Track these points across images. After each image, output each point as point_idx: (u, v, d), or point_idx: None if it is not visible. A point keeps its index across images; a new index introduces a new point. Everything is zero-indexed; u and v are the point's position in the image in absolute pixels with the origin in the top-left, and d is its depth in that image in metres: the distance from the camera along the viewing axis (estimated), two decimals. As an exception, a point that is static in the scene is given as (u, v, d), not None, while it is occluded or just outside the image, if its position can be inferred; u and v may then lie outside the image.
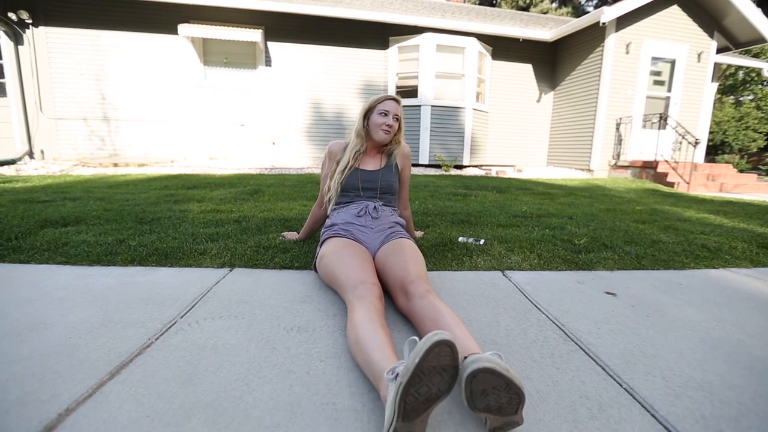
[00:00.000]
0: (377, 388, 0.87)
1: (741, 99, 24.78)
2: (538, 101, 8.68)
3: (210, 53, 7.33)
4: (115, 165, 6.32)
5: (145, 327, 1.20)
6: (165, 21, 6.87)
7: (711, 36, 7.57)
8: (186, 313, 1.30)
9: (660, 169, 6.59)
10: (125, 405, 0.85)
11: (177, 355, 1.05)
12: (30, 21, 6.46)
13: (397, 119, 1.72)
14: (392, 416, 0.73)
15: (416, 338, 0.82)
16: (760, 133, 23.07)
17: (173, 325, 1.22)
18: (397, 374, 0.77)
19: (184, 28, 6.60)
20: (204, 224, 2.46)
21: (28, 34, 6.54)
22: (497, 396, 0.75)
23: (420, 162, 7.55)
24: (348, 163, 1.71)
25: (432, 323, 1.06)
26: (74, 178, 4.83)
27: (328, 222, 1.72)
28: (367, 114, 1.73)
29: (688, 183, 6.05)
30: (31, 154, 6.83)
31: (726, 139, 23.42)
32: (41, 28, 6.59)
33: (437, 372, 0.74)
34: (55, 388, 0.90)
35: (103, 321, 1.23)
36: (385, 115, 1.69)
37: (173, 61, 7.10)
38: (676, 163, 6.57)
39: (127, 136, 7.17)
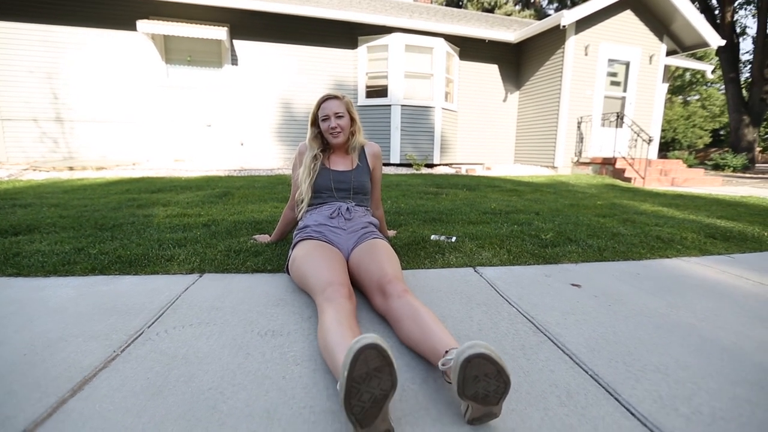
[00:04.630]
0: None
1: (688, 99, 26.55)
2: (505, 101, 8.93)
3: (172, 51, 7.04)
4: (71, 168, 5.94)
5: (110, 339, 1.15)
6: (123, 16, 6.53)
7: (661, 39, 8.07)
8: (153, 323, 1.25)
9: (618, 165, 6.95)
10: (90, 423, 0.81)
11: (145, 367, 1.01)
12: (-32, 14, 5.97)
13: (341, 116, 1.68)
14: (352, 427, 0.75)
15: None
16: (706, 130, 24.84)
17: (140, 335, 1.17)
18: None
19: (143, 25, 6.30)
20: (170, 229, 2.37)
21: (-33, 28, 6.04)
22: (487, 383, 0.78)
23: (391, 161, 7.59)
24: (307, 174, 1.69)
25: (411, 321, 1.08)
26: (25, 184, 4.51)
27: (300, 224, 1.70)
28: (315, 122, 1.73)
29: (643, 178, 6.42)
30: (-27, 158, 6.31)
31: (676, 137, 25.05)
32: (-18, 22, 6.10)
33: (373, 376, 0.75)
34: (10, 410, 0.84)
35: (62, 335, 1.16)
36: (327, 119, 1.68)
37: (133, 59, 6.76)
38: (633, 159, 6.96)
39: (83, 138, 6.76)
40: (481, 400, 0.79)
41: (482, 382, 0.78)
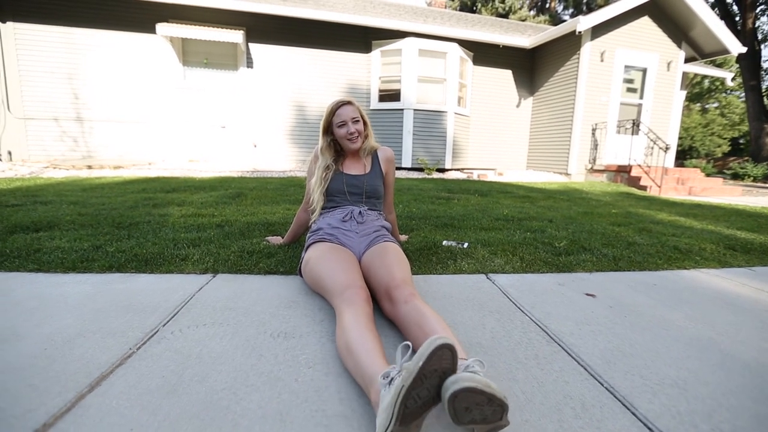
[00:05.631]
0: (367, 394, 0.87)
1: (707, 106, 26.01)
2: (518, 106, 8.87)
3: (190, 53, 7.18)
4: (89, 167, 6.09)
5: (126, 336, 1.17)
6: (143, 20, 6.69)
7: (679, 46, 7.94)
8: (168, 321, 1.27)
9: (633, 173, 6.84)
10: (107, 418, 0.82)
11: (160, 365, 1.02)
12: (-4, 16, 6.19)
13: (357, 120, 1.69)
14: (389, 420, 0.73)
15: (409, 344, 0.83)
16: (725, 138, 24.29)
17: (155, 333, 1.19)
18: (392, 378, 0.78)
19: (162, 28, 6.44)
20: (185, 229, 2.41)
21: (-5, 30, 6.26)
22: (481, 410, 0.77)
23: (403, 165, 7.60)
24: (319, 183, 1.70)
25: (417, 328, 1.07)
26: (45, 181, 4.64)
27: (313, 226, 1.71)
28: (328, 130, 1.73)
29: (659, 186, 6.30)
30: (-3, 156, 6.52)
31: (693, 144, 24.55)
32: (9, 24, 6.32)
33: (438, 375, 0.75)
34: (31, 403, 0.86)
35: (80, 331, 1.19)
36: (344, 125, 1.67)
37: (151, 60, 6.92)
38: (648, 167, 6.84)
39: (101, 137, 6.93)
40: (481, 422, 0.78)
41: (476, 410, 0.76)
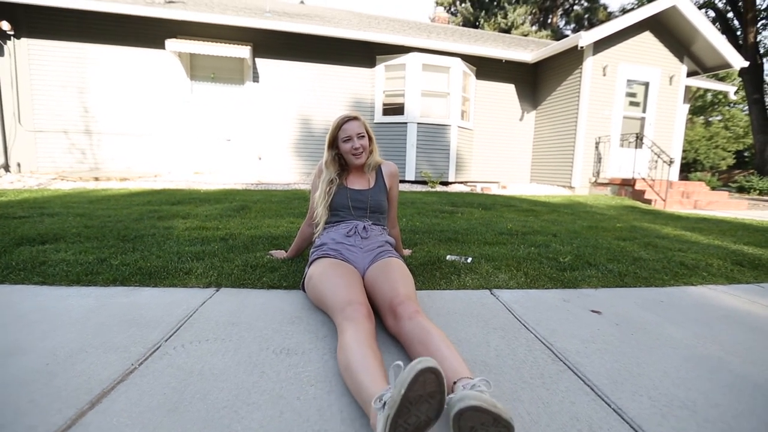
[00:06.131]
0: (367, 414, 0.86)
1: (710, 119, 26.03)
2: (521, 120, 8.93)
3: (197, 68, 7.32)
4: (96, 179, 6.16)
5: (128, 351, 1.16)
6: (152, 36, 6.85)
7: (681, 60, 8.00)
8: (171, 336, 1.27)
9: (638, 186, 6.82)
10: (107, 437, 0.81)
11: (162, 381, 1.02)
12: (12, 32, 6.35)
13: (363, 135, 1.70)
14: None
15: (401, 363, 0.82)
16: (729, 151, 24.22)
17: (158, 349, 1.19)
18: (385, 402, 0.77)
19: (171, 43, 6.59)
20: (189, 242, 2.42)
21: (9, 45, 6.42)
22: (486, 430, 0.76)
23: (406, 178, 7.63)
24: (322, 198, 1.70)
25: (421, 345, 1.06)
26: (52, 193, 4.69)
27: (317, 241, 1.71)
28: (333, 144, 1.73)
29: (664, 200, 6.27)
30: (7, 167, 6.62)
31: (698, 158, 24.49)
32: (23, 40, 6.48)
33: (424, 400, 0.74)
34: (31, 420, 0.86)
35: (83, 345, 1.19)
36: (349, 140, 1.69)
37: (159, 75, 7.06)
38: (653, 180, 6.82)
39: (109, 150, 7.03)
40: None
41: (481, 430, 0.76)
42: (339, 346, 1.06)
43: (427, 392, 0.74)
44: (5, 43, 6.39)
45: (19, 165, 6.67)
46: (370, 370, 0.93)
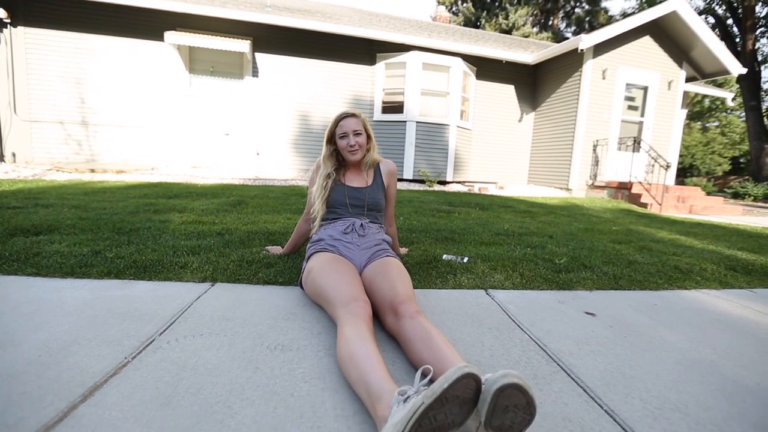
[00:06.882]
0: (371, 407, 0.86)
1: (707, 125, 26.20)
2: (520, 121, 8.94)
3: (196, 61, 7.27)
4: (92, 171, 6.12)
5: (122, 345, 1.16)
6: (151, 27, 6.80)
7: (680, 66, 8.03)
8: (165, 330, 1.26)
9: (634, 190, 6.85)
10: (99, 430, 0.81)
11: (155, 376, 1.01)
12: (8, 20, 6.28)
13: (359, 133, 1.70)
14: None
15: (430, 367, 0.85)
16: (725, 157, 24.40)
17: (151, 342, 1.18)
18: (408, 397, 0.78)
19: (170, 36, 6.54)
20: (185, 236, 2.40)
21: (6, 33, 6.35)
22: (515, 414, 0.77)
23: (404, 177, 7.63)
24: (319, 193, 1.71)
25: (423, 344, 1.06)
26: (48, 184, 4.65)
27: (314, 237, 1.71)
28: (331, 140, 1.75)
29: (660, 204, 6.31)
30: (1, 157, 6.56)
31: (694, 163, 24.66)
32: (20, 28, 6.41)
33: (458, 403, 0.75)
34: (23, 412, 0.85)
35: (76, 338, 1.18)
36: (345, 136, 1.69)
37: (158, 67, 7.01)
38: (649, 184, 6.85)
39: (105, 142, 6.98)
40: (506, 429, 0.78)
41: (510, 413, 0.77)
42: (340, 339, 1.06)
43: (464, 396, 0.75)
44: (1, 31, 6.32)
45: (14, 155, 6.61)
46: (377, 365, 0.93)
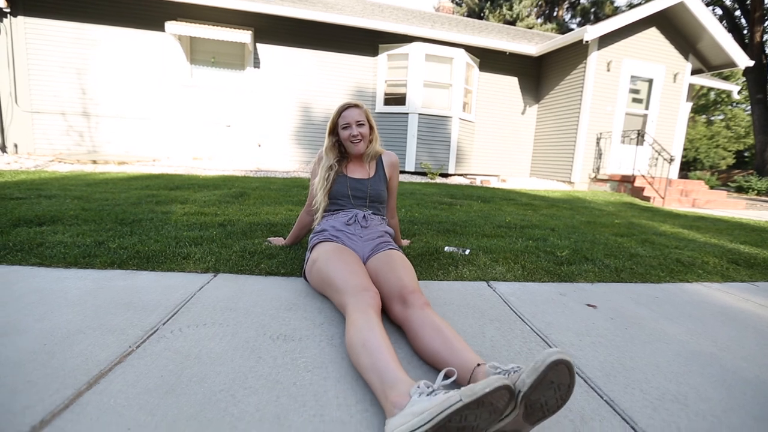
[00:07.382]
0: (382, 393, 0.86)
1: (712, 118, 25.98)
2: (523, 113, 8.88)
3: (197, 52, 7.22)
4: (94, 162, 6.12)
5: (126, 334, 1.17)
6: (152, 17, 6.74)
7: (686, 58, 7.93)
8: (168, 320, 1.27)
9: (637, 183, 6.82)
10: (104, 417, 0.82)
11: (159, 364, 1.02)
12: (8, 10, 6.24)
13: (362, 124, 1.70)
14: (421, 423, 0.73)
15: (454, 369, 0.89)
16: (730, 151, 24.22)
17: (155, 332, 1.19)
18: (433, 390, 0.79)
19: (171, 26, 6.49)
20: (187, 227, 2.41)
21: (6, 23, 6.31)
22: (554, 393, 0.78)
23: (406, 169, 7.61)
24: (322, 184, 1.71)
25: (434, 333, 1.08)
26: (50, 175, 4.66)
27: (317, 227, 1.71)
28: (334, 131, 1.74)
29: (663, 198, 6.28)
30: (3, 148, 6.56)
31: (698, 156, 24.50)
32: (20, 18, 6.37)
33: (490, 410, 0.74)
34: (29, 399, 0.86)
35: (80, 327, 1.19)
36: (348, 127, 1.69)
37: (159, 58, 6.96)
38: (653, 178, 6.82)
39: (107, 133, 6.97)
40: (534, 408, 0.78)
41: (551, 391, 0.78)
42: (351, 327, 1.06)
43: (497, 405, 0.74)
44: (1, 21, 6.28)
45: (15, 146, 6.61)
46: (390, 354, 0.94)
